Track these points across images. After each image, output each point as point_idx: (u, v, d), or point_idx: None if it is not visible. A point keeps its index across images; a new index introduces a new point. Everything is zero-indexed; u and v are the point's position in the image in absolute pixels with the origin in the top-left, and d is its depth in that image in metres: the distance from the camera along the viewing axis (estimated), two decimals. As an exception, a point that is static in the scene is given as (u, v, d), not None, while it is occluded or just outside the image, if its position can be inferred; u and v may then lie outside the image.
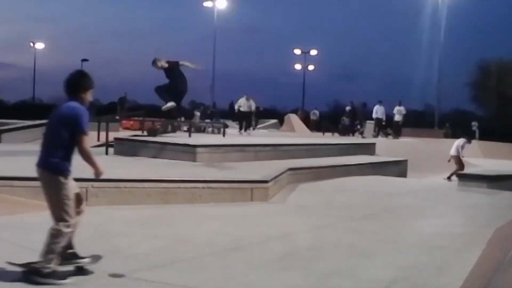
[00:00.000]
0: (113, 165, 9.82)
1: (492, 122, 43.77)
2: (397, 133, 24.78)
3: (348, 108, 27.64)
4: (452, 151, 16.68)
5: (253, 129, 23.84)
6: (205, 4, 43.37)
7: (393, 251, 5.83)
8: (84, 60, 53.14)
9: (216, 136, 18.60)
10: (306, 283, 4.59)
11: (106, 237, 5.88)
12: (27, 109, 41.13)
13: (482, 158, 24.21)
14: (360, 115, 25.45)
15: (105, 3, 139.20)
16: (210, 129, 21.66)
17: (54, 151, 4.29)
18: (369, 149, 16.83)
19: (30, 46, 52.41)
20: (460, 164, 16.35)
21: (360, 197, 9.74)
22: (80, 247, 5.31)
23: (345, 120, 27.39)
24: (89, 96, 4.51)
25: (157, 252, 5.32)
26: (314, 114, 36.95)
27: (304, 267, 5.02)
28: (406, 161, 15.65)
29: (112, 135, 13.42)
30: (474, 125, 34.61)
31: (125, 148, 12.33)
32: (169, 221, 6.95)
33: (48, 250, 4.22)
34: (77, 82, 4.44)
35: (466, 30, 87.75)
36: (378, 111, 24.03)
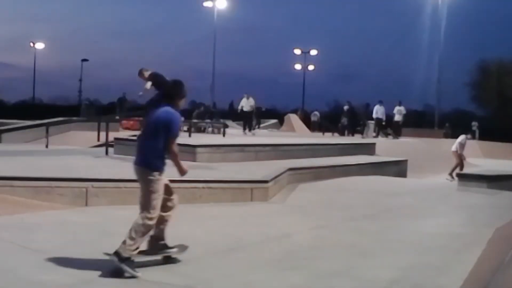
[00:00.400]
0: (113, 165, 9.82)
1: (492, 122, 43.75)
2: (397, 133, 24.77)
3: (346, 107, 27.56)
4: (453, 148, 16.87)
5: (253, 129, 23.77)
6: (205, 4, 43.35)
7: (393, 251, 5.83)
8: (84, 60, 53.30)
9: (216, 136, 18.60)
10: (306, 283, 4.59)
11: (106, 237, 5.87)
12: (27, 109, 41.18)
13: (482, 158, 24.22)
14: (363, 115, 25.29)
15: (105, 3, 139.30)
16: (210, 129, 21.67)
17: (150, 151, 4.72)
18: (369, 149, 16.83)
19: (30, 46, 52.38)
20: (459, 159, 16.41)
21: (360, 197, 9.73)
22: (80, 247, 5.32)
23: (344, 120, 27.32)
24: (182, 103, 4.94)
25: (157, 252, 5.31)
26: (315, 115, 36.52)
27: (304, 267, 5.02)
28: (406, 161, 15.64)
29: (112, 135, 13.43)
30: (474, 125, 34.58)
31: (125, 148, 12.33)
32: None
33: (130, 238, 4.56)
34: (175, 91, 4.87)
35: (466, 30, 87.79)
36: (378, 111, 24.03)
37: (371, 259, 5.42)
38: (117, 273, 4.45)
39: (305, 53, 51.48)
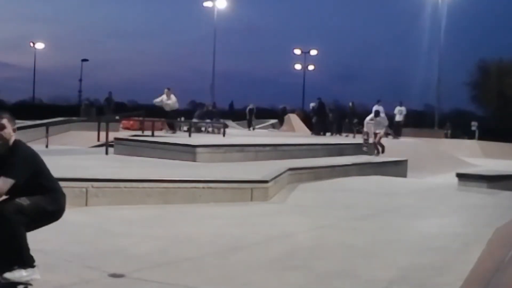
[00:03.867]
0: (113, 165, 9.82)
1: (492, 122, 43.71)
2: (397, 133, 24.77)
3: (312, 104, 24.73)
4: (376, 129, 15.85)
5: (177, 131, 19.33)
6: (205, 4, 43.32)
7: (393, 251, 5.83)
8: (84, 60, 53.32)
9: (216, 136, 18.59)
10: (306, 283, 4.59)
11: (106, 237, 5.88)
12: (27, 109, 41.16)
13: (482, 158, 24.18)
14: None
15: (105, 3, 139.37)
16: (210, 129, 21.67)
17: None
18: (369, 149, 16.82)
19: (30, 46, 52.32)
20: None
21: (360, 197, 9.73)
22: (80, 247, 5.33)
23: (314, 118, 24.00)
24: None
25: (157, 252, 5.32)
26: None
27: (304, 267, 5.02)
28: (406, 161, 15.65)
29: (112, 135, 13.44)
30: (474, 125, 34.55)
31: (125, 148, 12.34)
32: (169, 221, 6.95)
33: None
34: None
35: (466, 30, 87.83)
36: (376, 111, 23.95)
37: (371, 259, 5.42)
38: None
39: (305, 53, 51.47)
